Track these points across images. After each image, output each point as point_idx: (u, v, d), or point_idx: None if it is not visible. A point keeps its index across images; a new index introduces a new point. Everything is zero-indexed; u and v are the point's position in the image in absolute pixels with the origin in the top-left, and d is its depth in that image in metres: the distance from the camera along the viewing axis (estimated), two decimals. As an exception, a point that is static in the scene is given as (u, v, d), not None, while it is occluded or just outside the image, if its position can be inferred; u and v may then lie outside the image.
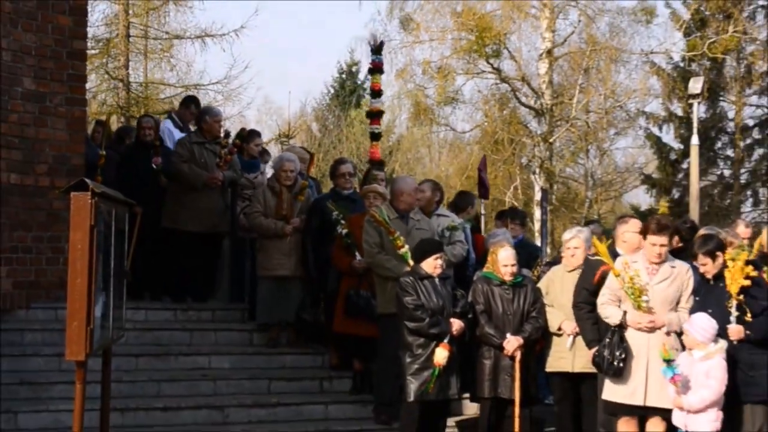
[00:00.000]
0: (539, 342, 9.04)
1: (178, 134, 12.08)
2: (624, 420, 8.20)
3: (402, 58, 29.93)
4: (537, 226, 27.34)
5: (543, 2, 29.22)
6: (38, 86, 10.18)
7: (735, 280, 7.84)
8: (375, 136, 12.92)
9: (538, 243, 22.02)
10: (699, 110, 27.49)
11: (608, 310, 8.20)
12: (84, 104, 10.95)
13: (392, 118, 35.04)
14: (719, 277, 8.00)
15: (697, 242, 8.27)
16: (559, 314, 8.95)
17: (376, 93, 13.09)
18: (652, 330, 8.03)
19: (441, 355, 8.35)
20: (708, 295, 8.03)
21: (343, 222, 10.01)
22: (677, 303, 8.11)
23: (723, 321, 7.82)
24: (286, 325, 10.72)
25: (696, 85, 25.24)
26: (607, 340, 8.09)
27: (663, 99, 32.94)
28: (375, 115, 13.06)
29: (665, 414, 7.92)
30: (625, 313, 8.09)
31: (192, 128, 12.08)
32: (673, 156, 33.62)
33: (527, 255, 10.33)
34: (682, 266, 8.19)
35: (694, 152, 25.88)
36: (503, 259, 8.85)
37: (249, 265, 11.44)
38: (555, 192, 31.11)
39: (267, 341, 10.77)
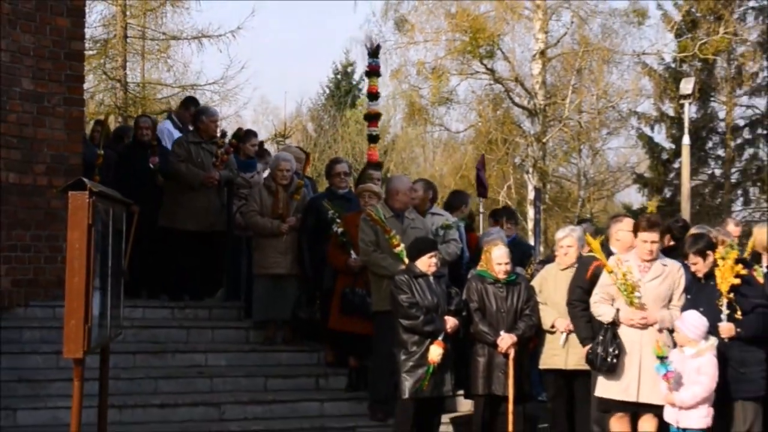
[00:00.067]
0: (533, 339, 9.05)
1: (177, 135, 12.08)
2: (617, 416, 8.22)
3: (397, 59, 29.99)
4: (530, 224, 27.37)
5: (536, 4, 29.24)
6: (36, 86, 10.17)
7: (725, 279, 7.86)
8: (373, 138, 12.91)
9: (532, 242, 22.03)
10: (690, 110, 27.53)
11: (601, 309, 8.23)
12: (82, 104, 10.95)
13: (387, 118, 35.02)
14: (710, 275, 8.02)
15: (688, 241, 8.29)
16: (553, 312, 8.96)
17: (374, 96, 13.06)
18: (644, 327, 8.06)
19: (435, 352, 8.35)
20: (699, 293, 8.05)
21: (338, 221, 10.01)
22: (669, 301, 8.14)
23: (714, 319, 7.85)
24: (282, 323, 10.72)
25: (687, 86, 25.28)
26: (601, 337, 8.12)
27: (655, 99, 32.99)
28: (372, 118, 13.03)
29: (657, 410, 7.94)
30: (617, 310, 8.12)
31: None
32: (664, 156, 33.66)
33: (520, 254, 10.33)
34: (673, 265, 8.22)
35: (686, 152, 25.91)
36: (497, 258, 8.86)
37: (245, 263, 11.42)
38: (548, 191, 31.13)
39: (263, 339, 10.76)
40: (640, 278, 8.07)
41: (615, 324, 8.12)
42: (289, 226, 10.49)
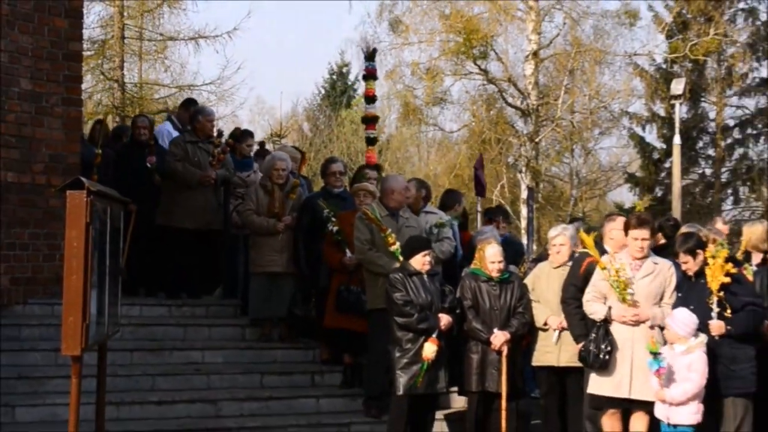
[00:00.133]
0: (526, 337, 9.06)
1: (177, 136, 12.08)
2: (608, 413, 8.23)
3: (391, 60, 29.89)
4: (523, 223, 27.39)
5: (529, 5, 29.20)
6: (35, 87, 10.17)
7: (715, 278, 7.88)
8: (371, 141, 12.92)
9: (525, 240, 22.06)
10: (681, 111, 27.52)
11: (593, 307, 8.24)
12: (80, 104, 10.93)
13: (382, 118, 34.94)
14: (700, 274, 8.03)
15: (678, 240, 8.31)
16: (545, 310, 8.97)
17: (371, 99, 13.06)
18: (636, 324, 8.07)
19: (429, 349, 8.36)
20: (690, 291, 8.06)
21: (333, 219, 10.01)
22: (661, 299, 8.15)
23: (705, 317, 7.86)
24: (278, 321, 10.72)
25: (678, 86, 25.30)
26: (593, 334, 8.13)
27: (646, 100, 33.02)
28: (370, 121, 13.05)
29: (648, 407, 7.95)
30: (609, 308, 8.13)
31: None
32: (655, 155, 33.69)
33: (513, 252, 10.34)
34: (664, 263, 8.24)
35: (676, 151, 25.92)
36: (490, 256, 8.87)
37: (242, 261, 11.42)
38: (541, 190, 31.13)
39: (259, 336, 10.77)
40: (632, 276, 8.09)
41: (607, 321, 8.14)
42: (285, 225, 10.49)
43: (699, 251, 8.06)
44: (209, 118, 11.47)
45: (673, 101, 26.38)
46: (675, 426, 7.70)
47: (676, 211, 24.18)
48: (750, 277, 8.47)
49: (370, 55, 13.03)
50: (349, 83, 44.07)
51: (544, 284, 9.09)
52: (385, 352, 8.68)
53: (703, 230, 8.93)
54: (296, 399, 9.84)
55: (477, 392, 8.84)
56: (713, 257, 7.96)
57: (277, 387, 10.08)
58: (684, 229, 8.98)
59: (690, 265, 8.08)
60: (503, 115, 30.50)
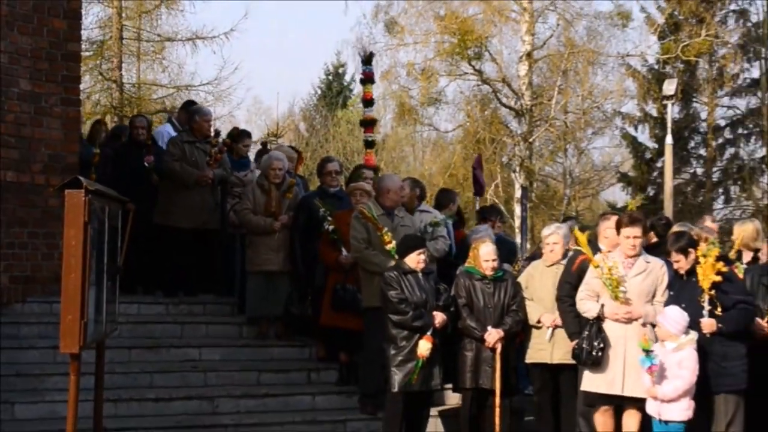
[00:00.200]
0: (519, 334, 9.06)
1: (178, 138, 12.07)
2: (601, 410, 8.24)
3: (387, 60, 29.92)
4: (517, 222, 27.39)
5: (523, 6, 29.22)
6: (34, 87, 10.16)
7: (706, 276, 7.88)
8: (369, 144, 12.91)
9: (518, 239, 22.06)
10: (673, 111, 27.53)
11: (586, 305, 8.25)
12: (78, 104, 10.93)
13: (378, 118, 34.99)
14: (692, 272, 8.04)
15: (670, 239, 8.32)
16: (539, 307, 8.98)
17: (369, 102, 13.04)
18: (629, 321, 8.08)
19: (424, 347, 8.37)
20: (681, 290, 8.07)
21: (329, 218, 10.00)
22: (653, 297, 8.16)
23: (696, 315, 7.87)
24: (275, 319, 10.72)
25: (670, 87, 25.32)
26: (586, 332, 8.14)
27: (638, 100, 33.00)
28: (369, 124, 13.04)
29: (640, 404, 7.96)
30: (602, 306, 8.14)
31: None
32: (648, 155, 33.69)
33: (506, 251, 10.34)
34: (656, 262, 8.25)
35: (668, 151, 25.94)
36: (484, 255, 8.88)
37: (239, 260, 11.41)
38: (535, 190, 31.16)
39: (256, 334, 10.77)
40: (625, 274, 8.10)
41: (600, 319, 8.15)
42: (282, 224, 10.49)
43: (691, 250, 8.07)
44: (206, 119, 11.46)
45: (665, 101, 26.40)
46: (666, 422, 7.71)
47: (668, 210, 24.21)
48: (741, 275, 8.49)
49: (367, 59, 13.02)
50: (345, 83, 44.07)
51: (538, 282, 9.10)
52: (380, 349, 8.68)
53: (695, 229, 8.95)
54: (292, 396, 9.84)
55: (471, 389, 8.85)
56: (704, 256, 7.97)
57: (274, 384, 10.07)
58: (676, 228, 8.99)
59: (682, 263, 8.08)
60: (497, 115, 30.53)
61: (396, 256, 8.78)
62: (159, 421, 9.00)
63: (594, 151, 35.07)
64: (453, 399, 9.66)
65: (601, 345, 8.04)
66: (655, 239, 9.39)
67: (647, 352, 7.58)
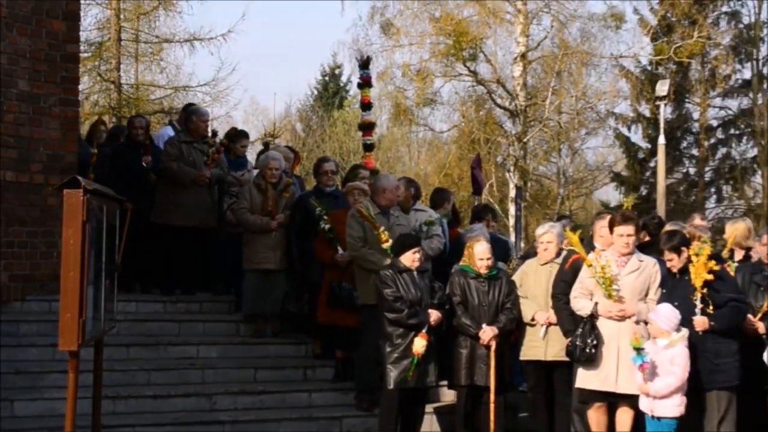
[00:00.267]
0: (513, 332, 9.07)
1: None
2: (595, 407, 8.25)
3: (383, 62, 29.92)
4: (512, 221, 27.37)
5: (517, 8, 29.23)
6: (33, 88, 10.14)
7: (699, 275, 7.90)
8: (368, 147, 12.90)
9: (513, 238, 22.04)
10: (665, 111, 27.63)
11: (580, 303, 8.27)
12: (77, 105, 10.91)
13: (375, 121, 34.96)
14: (684, 270, 8.05)
15: (663, 238, 8.33)
16: (533, 305, 8.99)
17: (366, 106, 13.03)
18: (622, 319, 8.09)
19: (419, 344, 8.37)
20: (674, 288, 8.08)
21: (325, 217, 10.01)
22: (646, 295, 8.17)
23: (689, 313, 7.88)
24: (272, 316, 10.71)
25: (663, 88, 25.39)
26: (580, 329, 8.16)
27: (631, 101, 33.04)
28: (367, 127, 13.03)
29: (633, 401, 7.97)
30: (596, 304, 8.15)
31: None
32: (641, 155, 33.73)
33: (501, 249, 10.34)
34: (649, 260, 8.27)
35: (661, 151, 26.01)
36: (479, 253, 8.88)
37: (234, 258, 11.39)
38: (529, 189, 31.15)
39: (253, 332, 10.76)
40: (618, 272, 8.11)
41: (594, 317, 8.16)
42: (278, 223, 10.48)
43: (683, 249, 8.08)
44: (203, 119, 11.46)
45: (657, 102, 26.51)
46: (659, 419, 7.72)
47: (661, 210, 24.27)
48: (732, 274, 8.50)
49: (364, 64, 13.00)
50: (341, 84, 44.09)
51: (532, 280, 9.11)
52: (376, 346, 8.68)
53: (687, 228, 8.97)
54: (289, 393, 9.83)
55: (466, 386, 8.85)
56: (697, 255, 7.99)
57: (270, 381, 10.07)
58: (668, 227, 9.00)
59: (675, 262, 8.10)
60: (492, 115, 30.54)
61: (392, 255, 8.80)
62: (157, 417, 8.99)
63: (587, 151, 35.14)
64: (448, 396, 9.67)
65: (595, 342, 8.06)
66: (647, 238, 9.40)
67: (638, 350, 7.59)
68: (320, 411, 9.62)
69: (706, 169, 33.75)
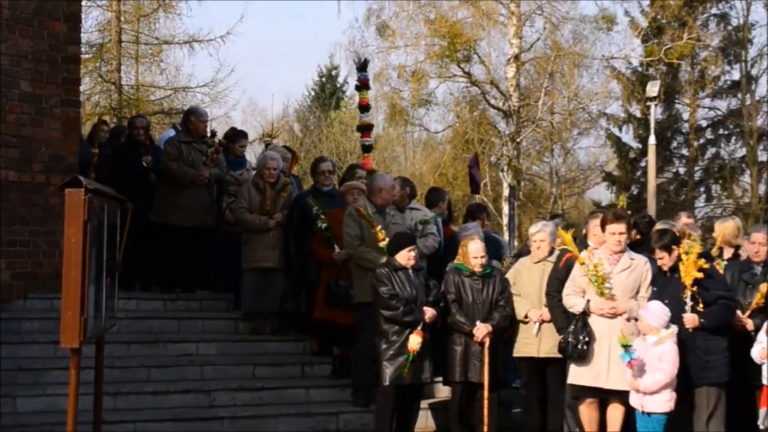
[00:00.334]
0: (507, 329, 9.07)
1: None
2: (586, 402, 8.26)
3: (378, 63, 29.86)
4: (505, 220, 27.39)
5: (511, 10, 29.23)
6: (35, 89, 10.12)
7: (689, 273, 7.92)
8: (366, 148, 12.88)
9: (506, 236, 22.06)
10: (656, 112, 27.67)
11: (572, 300, 8.27)
12: (78, 106, 10.89)
13: (373, 122, 34.93)
14: (675, 269, 8.06)
15: (654, 237, 8.34)
16: (526, 303, 8.99)
17: (364, 108, 13.01)
18: (613, 316, 8.09)
19: (415, 341, 8.36)
20: (665, 286, 8.09)
21: (322, 217, 10.01)
22: (637, 292, 8.17)
23: (679, 310, 7.89)
24: (270, 314, 10.71)
25: (653, 89, 25.42)
26: (572, 326, 8.16)
27: (622, 101, 33.07)
28: (365, 129, 13.00)
29: (624, 397, 7.98)
30: (588, 301, 8.15)
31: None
32: (632, 155, 33.78)
33: (494, 248, 10.34)
34: (640, 259, 8.28)
35: (652, 151, 26.04)
36: (473, 252, 8.88)
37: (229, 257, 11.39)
38: (522, 188, 31.14)
39: (251, 329, 10.76)
40: (610, 270, 8.11)
41: (586, 314, 8.17)
42: (276, 222, 10.48)
43: (674, 247, 8.10)
44: (202, 119, 11.45)
45: (648, 103, 26.55)
46: (649, 414, 7.73)
47: (651, 209, 24.29)
48: (721, 272, 8.51)
49: (362, 66, 12.98)
50: (338, 85, 44.09)
51: (525, 278, 9.11)
52: (372, 344, 8.68)
53: (677, 226, 8.97)
54: (287, 389, 9.83)
55: (460, 382, 8.86)
56: (687, 253, 8.00)
57: (269, 378, 10.07)
58: (659, 226, 9.01)
59: (665, 260, 8.11)
60: (486, 116, 30.53)
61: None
62: (157, 413, 8.98)
63: (579, 151, 35.12)
64: (443, 392, 9.67)
65: (587, 339, 8.06)
66: (637, 237, 9.41)
67: (626, 347, 7.60)
68: (317, 407, 9.63)
69: (696, 168, 33.80)
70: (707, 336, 7.98)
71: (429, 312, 8.52)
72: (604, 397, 8.19)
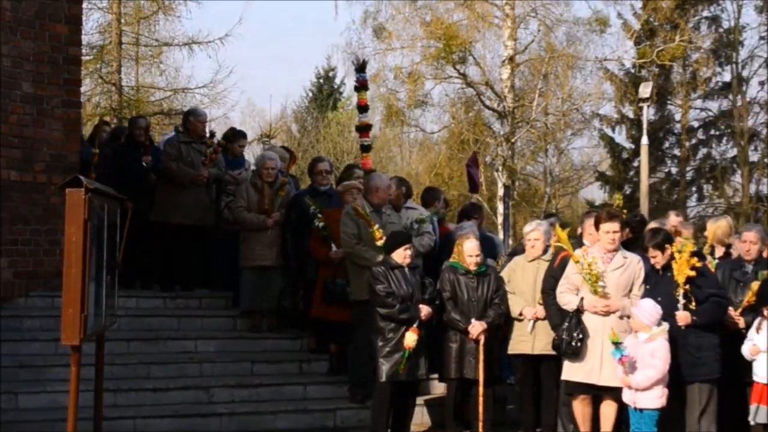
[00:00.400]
0: (502, 327, 9.06)
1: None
2: (580, 399, 8.26)
3: (375, 64, 29.85)
4: (500, 219, 27.39)
5: (505, 13, 29.23)
6: (36, 90, 10.12)
7: (681, 271, 7.92)
8: (365, 148, 12.88)
9: (501, 235, 22.04)
10: (648, 113, 27.68)
11: (566, 298, 8.27)
12: (79, 107, 10.89)
13: (371, 123, 34.91)
14: (667, 267, 8.06)
15: (647, 236, 8.34)
16: (520, 301, 8.98)
17: (363, 108, 13.01)
18: (607, 314, 8.09)
19: (410, 338, 8.36)
20: (657, 284, 8.10)
21: (320, 216, 10.00)
22: (630, 290, 8.18)
23: (671, 308, 7.89)
24: (268, 312, 10.71)
25: (646, 90, 25.43)
26: (566, 324, 8.16)
27: (615, 102, 33.09)
28: (364, 129, 13.00)
29: (617, 394, 7.98)
30: (582, 299, 8.15)
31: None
32: (624, 155, 33.79)
33: (489, 247, 10.34)
34: (633, 257, 8.28)
35: (644, 151, 26.06)
36: (468, 250, 8.88)
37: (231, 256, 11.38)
38: (516, 188, 31.15)
39: (250, 327, 10.75)
40: (604, 269, 8.11)
41: (579, 311, 8.16)
42: (274, 221, 10.48)
43: (667, 246, 8.10)
44: (200, 119, 11.45)
45: (641, 104, 26.58)
46: (641, 410, 7.73)
47: (644, 208, 24.30)
48: (713, 270, 8.51)
49: (360, 67, 12.98)
50: (335, 86, 44.06)
51: (520, 277, 9.11)
52: (368, 341, 8.67)
53: (667, 225, 8.98)
54: (285, 386, 9.83)
55: (455, 379, 8.85)
56: (679, 252, 8.00)
57: (267, 375, 10.06)
58: (652, 225, 9.01)
59: (658, 259, 8.11)
60: (481, 116, 30.57)
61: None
62: (157, 410, 8.99)
63: (573, 151, 35.11)
64: (438, 388, 9.67)
65: (580, 336, 8.06)
66: (630, 235, 9.40)
67: (616, 344, 7.60)
68: (315, 403, 9.62)
69: (688, 168, 33.83)
70: (699, 333, 7.98)
71: (425, 309, 8.52)
72: (597, 393, 8.19)
